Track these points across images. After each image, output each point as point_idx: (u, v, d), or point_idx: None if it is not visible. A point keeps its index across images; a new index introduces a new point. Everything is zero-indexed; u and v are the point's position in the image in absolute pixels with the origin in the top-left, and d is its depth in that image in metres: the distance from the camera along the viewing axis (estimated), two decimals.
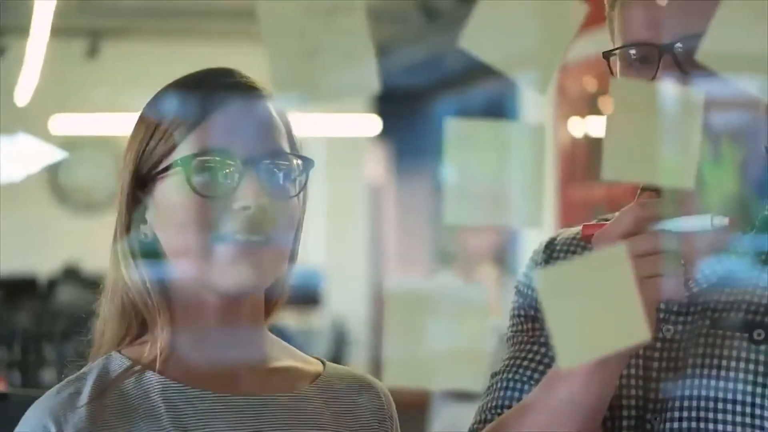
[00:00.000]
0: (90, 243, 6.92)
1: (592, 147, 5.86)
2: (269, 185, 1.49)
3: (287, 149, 1.52)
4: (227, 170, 1.48)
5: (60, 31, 6.86)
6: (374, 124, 9.03)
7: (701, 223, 1.37)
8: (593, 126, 5.84)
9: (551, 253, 1.65)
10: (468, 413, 5.66)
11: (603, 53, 1.55)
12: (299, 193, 1.52)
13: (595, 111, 5.84)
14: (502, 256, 5.13)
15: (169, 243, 1.50)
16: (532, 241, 5.55)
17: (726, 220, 1.36)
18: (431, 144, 8.09)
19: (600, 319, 1.12)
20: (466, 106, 8.28)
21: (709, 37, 1.13)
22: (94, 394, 1.45)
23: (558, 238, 1.67)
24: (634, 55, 1.49)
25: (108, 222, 1.57)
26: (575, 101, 5.83)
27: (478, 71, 7.38)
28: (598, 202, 5.83)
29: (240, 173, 1.47)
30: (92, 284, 1.51)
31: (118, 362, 1.50)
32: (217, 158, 1.47)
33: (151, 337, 1.52)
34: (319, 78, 1.08)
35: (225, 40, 7.80)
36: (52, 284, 7.88)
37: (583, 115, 5.87)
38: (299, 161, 1.52)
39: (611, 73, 1.55)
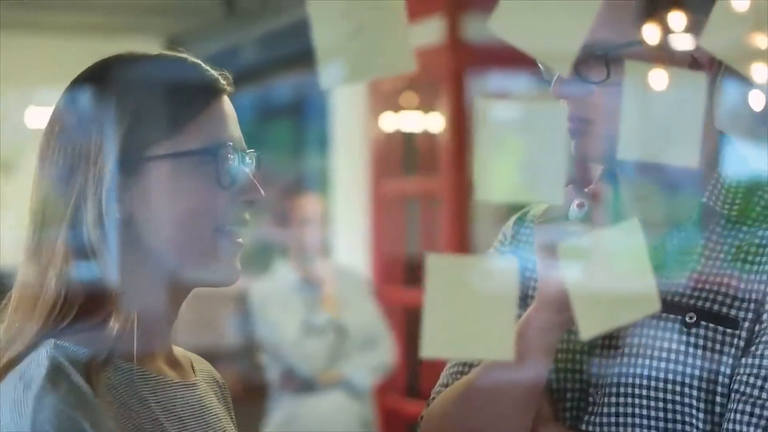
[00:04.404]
0: None
1: (405, 141, 5.97)
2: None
3: None
4: (238, 162, 1.50)
5: None
6: None
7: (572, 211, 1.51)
8: (405, 121, 5.94)
9: (519, 228, 1.72)
10: (306, 406, 5.63)
11: None
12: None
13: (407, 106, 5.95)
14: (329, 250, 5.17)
15: (160, 230, 1.48)
16: (347, 234, 5.60)
17: (576, 203, 1.50)
18: None
19: (616, 290, 1.18)
20: (269, 99, 8.29)
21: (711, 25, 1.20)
22: (94, 387, 1.41)
23: (529, 213, 1.73)
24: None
25: None
26: (387, 96, 5.92)
27: (278, 65, 7.40)
28: (412, 196, 5.94)
29: (243, 165, 1.50)
30: None
31: (72, 352, 1.44)
32: (238, 150, 1.50)
33: (101, 323, 1.48)
34: (361, 55, 1.11)
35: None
36: None
37: (395, 110, 5.96)
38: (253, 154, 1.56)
39: None
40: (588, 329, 1.17)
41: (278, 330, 4.66)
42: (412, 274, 5.88)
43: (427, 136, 5.79)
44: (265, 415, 4.79)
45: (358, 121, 6.05)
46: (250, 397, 4.80)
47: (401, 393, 5.70)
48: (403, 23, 1.12)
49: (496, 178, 1.15)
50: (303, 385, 4.65)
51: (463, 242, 5.45)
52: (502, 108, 1.16)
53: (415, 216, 5.91)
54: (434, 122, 5.72)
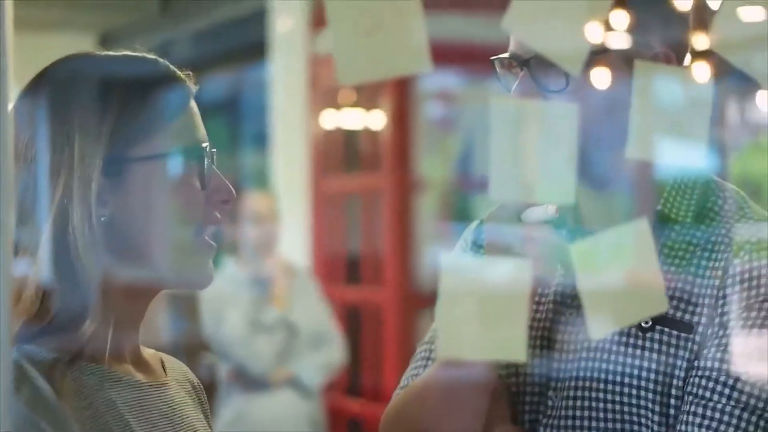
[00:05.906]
0: None
1: (346, 139, 5.96)
2: None
3: None
4: (211, 162, 1.50)
5: None
6: None
7: (543, 212, 1.53)
8: (346, 118, 5.93)
9: (479, 233, 1.71)
10: (255, 404, 5.58)
11: (491, 58, 1.61)
12: None
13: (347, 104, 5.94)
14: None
15: (141, 231, 1.47)
16: (288, 232, 5.58)
17: (553, 209, 1.53)
18: None
19: (625, 289, 1.18)
20: (205, 95, 8.24)
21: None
22: (57, 390, 1.38)
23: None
24: (502, 64, 1.56)
25: None
26: (327, 93, 5.90)
27: (213, 61, 7.36)
28: (353, 193, 5.94)
29: (213, 165, 1.50)
30: None
31: (35, 354, 1.41)
32: (213, 150, 1.50)
33: (74, 324, 1.44)
34: (377, 53, 1.11)
35: None
36: None
37: (336, 108, 5.94)
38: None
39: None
40: (597, 330, 1.18)
41: (227, 328, 4.63)
42: (354, 272, 5.88)
43: (368, 133, 5.79)
44: (214, 413, 4.75)
45: (298, 119, 6.03)
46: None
47: (342, 392, 5.69)
48: (420, 23, 1.12)
49: (508, 179, 1.15)
50: (252, 383, 4.63)
51: (404, 240, 5.46)
52: (515, 108, 1.16)
53: (356, 214, 5.90)
54: (375, 119, 5.72)
